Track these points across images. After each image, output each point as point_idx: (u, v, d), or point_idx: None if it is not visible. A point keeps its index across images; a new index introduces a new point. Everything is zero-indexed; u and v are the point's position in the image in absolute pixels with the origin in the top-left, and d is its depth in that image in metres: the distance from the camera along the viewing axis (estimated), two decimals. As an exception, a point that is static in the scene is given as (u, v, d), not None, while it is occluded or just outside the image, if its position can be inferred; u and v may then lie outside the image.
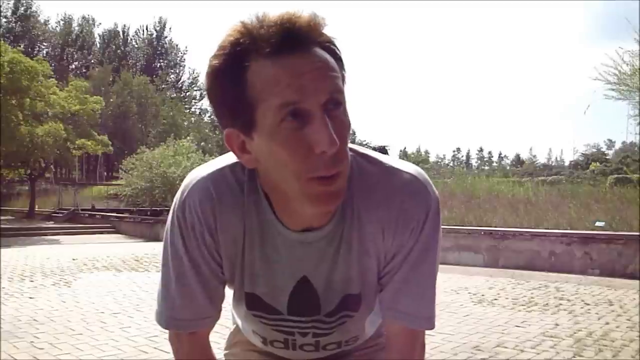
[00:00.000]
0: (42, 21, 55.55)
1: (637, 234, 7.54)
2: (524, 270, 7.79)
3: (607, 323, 4.56)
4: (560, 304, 5.40)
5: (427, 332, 0.94)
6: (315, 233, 0.86)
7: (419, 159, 65.04)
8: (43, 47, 55.12)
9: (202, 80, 0.80)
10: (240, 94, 0.74)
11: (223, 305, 0.95)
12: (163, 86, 55.23)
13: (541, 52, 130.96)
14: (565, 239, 7.95)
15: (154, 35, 60.83)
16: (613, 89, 11.21)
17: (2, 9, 49.82)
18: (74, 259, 9.04)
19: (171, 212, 0.89)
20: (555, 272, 7.59)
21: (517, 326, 4.48)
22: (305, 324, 0.95)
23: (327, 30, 0.76)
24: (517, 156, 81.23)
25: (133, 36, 61.41)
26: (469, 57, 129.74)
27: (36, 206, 23.19)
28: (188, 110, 52.98)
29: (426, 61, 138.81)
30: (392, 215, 0.85)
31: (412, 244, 0.87)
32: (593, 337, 4.06)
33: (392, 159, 0.90)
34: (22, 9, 53.11)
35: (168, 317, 0.92)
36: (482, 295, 5.97)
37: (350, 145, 0.82)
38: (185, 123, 45.29)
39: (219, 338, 1.21)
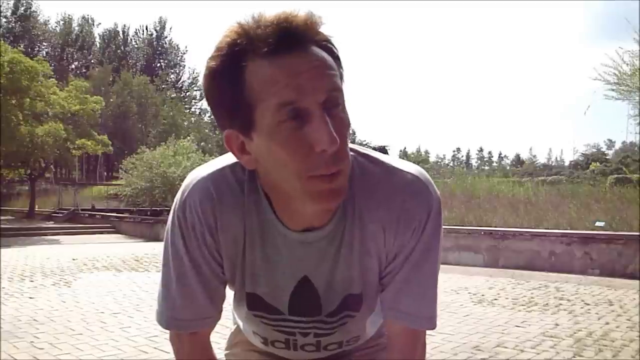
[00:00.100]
0: (42, 21, 55.58)
1: (637, 234, 7.54)
2: (524, 270, 7.79)
3: (607, 323, 4.56)
4: (560, 304, 5.40)
5: (427, 332, 0.93)
6: (315, 233, 0.86)
7: (419, 159, 64.97)
8: (43, 47, 55.11)
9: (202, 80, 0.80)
10: (239, 95, 0.74)
11: (224, 305, 0.95)
12: (163, 86, 55.22)
13: (541, 52, 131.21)
14: (565, 239, 7.94)
15: (154, 35, 60.86)
16: (613, 89, 11.24)
17: (2, 9, 49.86)
18: (74, 259, 9.04)
19: (172, 212, 0.89)
20: (555, 272, 7.58)
21: (517, 326, 4.48)
22: (306, 324, 0.95)
23: (324, 29, 0.76)
24: (517, 156, 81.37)
25: (133, 36, 61.55)
26: (469, 57, 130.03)
27: (36, 206, 23.18)
28: (188, 110, 53.00)
29: (426, 61, 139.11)
30: (394, 215, 0.85)
31: (413, 244, 0.86)
32: (593, 337, 4.06)
33: (393, 159, 0.89)
34: (22, 9, 53.09)
35: (169, 317, 0.92)
36: (482, 295, 5.97)
37: (351, 145, 0.82)
38: (185, 123, 45.26)
39: (219, 338, 1.21)
